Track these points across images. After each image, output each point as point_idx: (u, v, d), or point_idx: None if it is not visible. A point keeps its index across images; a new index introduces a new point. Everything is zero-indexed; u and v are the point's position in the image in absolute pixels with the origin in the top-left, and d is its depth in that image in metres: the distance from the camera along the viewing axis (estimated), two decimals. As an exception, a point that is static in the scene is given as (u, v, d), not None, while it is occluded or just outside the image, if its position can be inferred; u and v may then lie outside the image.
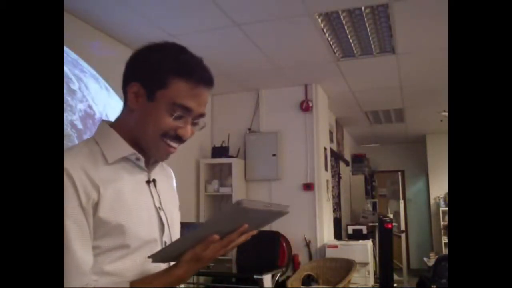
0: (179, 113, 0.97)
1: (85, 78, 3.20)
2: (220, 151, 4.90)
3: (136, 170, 1.02)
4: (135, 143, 1.01)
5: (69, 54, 3.04)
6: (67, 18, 2.98)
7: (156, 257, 0.94)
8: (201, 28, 3.43)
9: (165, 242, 1.03)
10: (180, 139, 1.00)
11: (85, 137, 3.17)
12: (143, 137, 1.00)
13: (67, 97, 3.02)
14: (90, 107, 3.24)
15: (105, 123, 1.05)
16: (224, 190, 4.77)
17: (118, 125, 1.03)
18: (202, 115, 1.02)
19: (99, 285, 0.91)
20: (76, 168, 0.91)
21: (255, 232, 0.97)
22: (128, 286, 0.92)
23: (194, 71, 0.99)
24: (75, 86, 3.10)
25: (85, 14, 3.15)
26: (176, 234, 1.09)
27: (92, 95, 3.27)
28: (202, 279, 4.55)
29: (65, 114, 2.99)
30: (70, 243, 0.88)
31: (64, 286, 0.86)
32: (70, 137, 3.04)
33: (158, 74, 0.97)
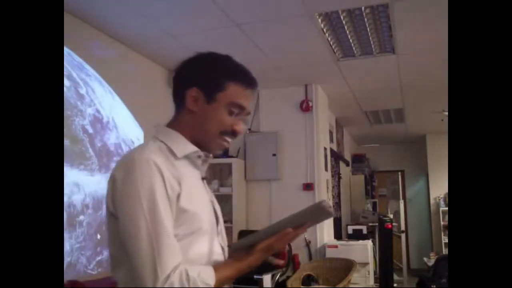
0: (237, 111, 1.13)
1: (91, 82, 3.21)
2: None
3: (194, 168, 1.14)
4: (195, 142, 1.13)
5: (73, 57, 3.04)
6: (67, 18, 2.98)
7: (234, 246, 1.10)
8: (201, 28, 3.43)
9: (218, 233, 1.15)
10: (235, 134, 1.15)
11: (96, 141, 3.19)
12: (203, 134, 1.13)
13: (77, 102, 3.03)
14: (98, 111, 3.25)
15: (164, 126, 1.16)
16: (224, 190, 4.77)
17: (177, 126, 1.14)
18: (249, 113, 1.18)
19: (192, 267, 1.00)
20: (162, 163, 1.01)
21: (311, 226, 1.14)
22: (213, 271, 1.01)
23: (245, 75, 1.16)
24: (83, 90, 3.11)
25: (85, 14, 3.14)
26: (223, 227, 1.21)
27: (99, 99, 3.28)
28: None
29: (76, 119, 3.01)
30: (164, 224, 0.97)
31: (163, 266, 0.94)
32: (83, 141, 3.05)
33: (216, 79, 1.12)
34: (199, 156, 1.14)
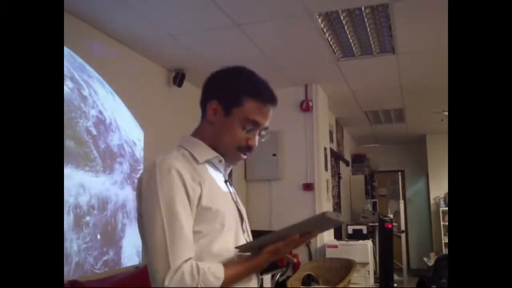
0: (250, 127, 1.21)
1: (93, 83, 3.22)
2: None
3: (216, 171, 1.24)
4: (214, 149, 1.23)
5: (75, 58, 3.05)
6: (67, 18, 2.98)
7: (242, 248, 1.14)
8: (201, 28, 3.43)
9: (244, 230, 1.24)
10: (250, 149, 1.23)
11: (100, 143, 3.20)
12: (220, 145, 1.22)
13: (80, 104, 3.04)
14: (101, 112, 3.26)
15: (188, 136, 1.27)
16: (224, 190, 4.77)
17: (199, 134, 1.25)
18: (266, 128, 1.27)
19: (202, 263, 1.07)
20: (183, 168, 1.11)
21: (319, 233, 1.22)
22: (222, 267, 1.08)
23: (264, 92, 1.22)
24: (85, 92, 3.12)
25: (85, 14, 3.14)
26: (248, 225, 1.30)
27: (101, 101, 3.29)
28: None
29: (80, 121, 3.02)
30: (182, 223, 1.06)
31: (175, 257, 1.02)
32: (87, 143, 3.06)
33: (235, 94, 1.19)
34: (220, 161, 1.23)
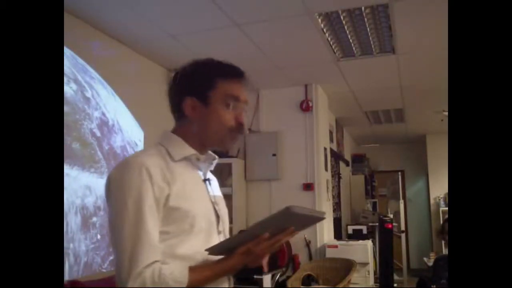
0: (233, 103, 1.18)
1: (95, 85, 3.23)
2: (220, 151, 4.89)
3: (195, 169, 1.21)
4: (200, 145, 1.21)
5: (77, 60, 3.05)
6: (67, 18, 2.98)
7: (213, 250, 1.09)
8: (201, 28, 3.43)
9: (220, 232, 1.20)
10: (241, 126, 1.20)
11: (104, 144, 3.23)
12: (212, 135, 1.20)
13: (84, 106, 3.07)
14: (104, 114, 3.28)
15: (168, 132, 1.24)
16: (224, 190, 4.65)
17: (179, 132, 1.22)
18: (246, 101, 1.23)
19: (166, 266, 1.04)
20: (153, 166, 1.08)
21: (297, 232, 1.13)
22: (187, 270, 1.04)
23: (231, 69, 1.22)
24: (88, 93, 3.14)
25: (85, 14, 3.14)
26: (227, 227, 1.26)
27: (104, 102, 3.31)
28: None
29: (84, 123, 3.05)
30: (146, 224, 1.03)
31: (137, 261, 1.00)
32: (91, 145, 3.09)
33: (207, 81, 1.18)
34: (198, 158, 1.20)
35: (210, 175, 1.30)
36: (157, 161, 1.11)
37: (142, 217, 1.03)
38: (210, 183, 1.25)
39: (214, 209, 1.20)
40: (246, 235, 1.09)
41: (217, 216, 1.20)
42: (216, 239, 1.16)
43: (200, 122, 1.19)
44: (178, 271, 1.03)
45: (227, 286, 1.16)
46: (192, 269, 1.05)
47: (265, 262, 1.16)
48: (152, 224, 1.04)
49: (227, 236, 1.24)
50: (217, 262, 1.10)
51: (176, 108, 1.22)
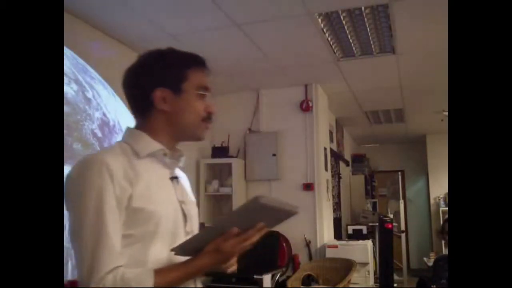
0: (203, 93, 1.17)
1: (96, 85, 3.24)
2: (220, 151, 4.90)
3: (161, 167, 1.15)
4: (165, 141, 1.15)
5: (78, 60, 3.06)
6: (67, 18, 2.98)
7: (178, 250, 1.02)
8: (201, 28, 3.43)
9: (188, 233, 1.13)
10: (211, 116, 1.19)
11: (105, 145, 3.23)
12: (185, 127, 1.17)
13: (85, 106, 3.07)
14: (104, 114, 3.28)
15: (131, 128, 1.19)
16: (224, 190, 4.77)
17: (145, 127, 1.16)
18: (211, 91, 1.22)
19: (129, 271, 0.98)
20: (115, 164, 1.02)
21: (269, 228, 1.05)
22: (152, 274, 0.98)
23: (195, 58, 1.19)
24: (89, 94, 3.14)
25: (85, 14, 3.14)
26: (196, 227, 1.19)
27: (104, 102, 3.31)
28: (202, 279, 4.54)
29: (85, 123, 3.05)
30: (106, 227, 0.97)
31: (98, 267, 0.94)
32: (93, 145, 3.09)
33: (176, 72, 1.15)
34: (165, 154, 1.15)
35: (179, 173, 1.24)
36: (120, 158, 1.05)
37: (103, 220, 0.97)
38: (178, 181, 1.18)
39: (182, 208, 1.13)
40: (213, 231, 1.01)
41: (185, 216, 1.13)
42: (181, 241, 1.08)
43: (173, 114, 1.15)
44: (142, 275, 0.97)
45: (193, 287, 1.11)
46: (157, 272, 0.99)
47: (233, 266, 1.10)
48: (114, 227, 0.98)
49: None
50: (184, 263, 1.03)
51: (142, 101, 1.16)
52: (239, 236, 1.00)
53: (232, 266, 1.12)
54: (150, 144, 1.13)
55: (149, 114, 1.16)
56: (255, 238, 1.02)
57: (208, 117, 1.18)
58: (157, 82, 1.14)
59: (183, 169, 1.27)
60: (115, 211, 0.99)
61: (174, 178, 1.17)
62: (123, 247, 1.00)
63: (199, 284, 1.14)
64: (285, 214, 1.07)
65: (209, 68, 1.21)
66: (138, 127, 1.18)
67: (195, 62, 1.19)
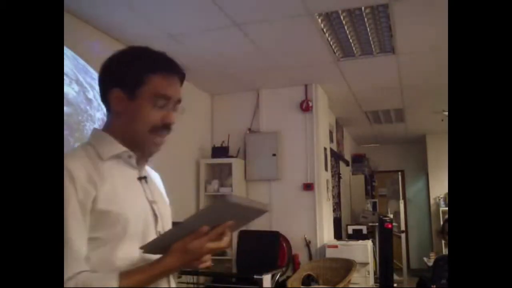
0: (162, 103, 1.08)
1: (96, 85, 3.24)
2: (220, 151, 4.90)
3: (128, 168, 1.11)
4: (127, 143, 1.10)
5: (78, 60, 3.06)
6: (67, 18, 2.98)
7: (147, 248, 1.00)
8: (201, 28, 3.43)
9: (159, 233, 1.09)
10: (167, 128, 1.10)
11: None
12: (133, 135, 1.09)
13: (86, 107, 3.06)
14: (105, 115, 3.28)
15: (97, 129, 1.16)
16: (224, 190, 4.77)
17: (109, 129, 1.12)
18: (179, 101, 1.13)
19: (92, 275, 0.96)
20: (77, 168, 0.99)
21: (239, 226, 1.05)
22: (117, 277, 0.95)
23: (165, 63, 1.11)
24: (90, 95, 3.14)
25: (85, 14, 3.15)
26: (168, 227, 1.15)
27: None
28: (202, 279, 4.55)
29: (87, 124, 3.05)
30: (68, 232, 0.94)
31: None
32: None
33: (134, 74, 1.07)
34: (130, 156, 1.10)
35: (151, 172, 1.21)
36: (82, 162, 1.02)
37: (65, 225, 0.94)
38: (146, 181, 1.14)
39: (152, 208, 1.10)
40: (182, 229, 0.99)
41: (155, 216, 1.10)
42: None
43: (125, 118, 1.09)
44: (105, 279, 0.94)
45: (166, 287, 1.08)
46: (123, 275, 0.96)
47: (206, 262, 1.04)
48: (76, 232, 0.95)
49: None
50: (149, 264, 1.00)
51: (103, 100, 1.13)
52: (207, 235, 0.97)
53: (204, 263, 1.05)
54: (113, 146, 1.09)
55: (110, 114, 1.13)
56: (226, 238, 1.00)
57: (161, 128, 1.09)
58: (115, 81, 1.09)
59: (151, 172, 1.23)
60: (78, 215, 0.96)
61: (143, 178, 1.13)
62: (90, 250, 0.98)
63: (173, 284, 1.10)
64: (255, 212, 1.07)
65: (180, 74, 1.13)
66: (104, 127, 1.14)
67: (159, 66, 1.09)
